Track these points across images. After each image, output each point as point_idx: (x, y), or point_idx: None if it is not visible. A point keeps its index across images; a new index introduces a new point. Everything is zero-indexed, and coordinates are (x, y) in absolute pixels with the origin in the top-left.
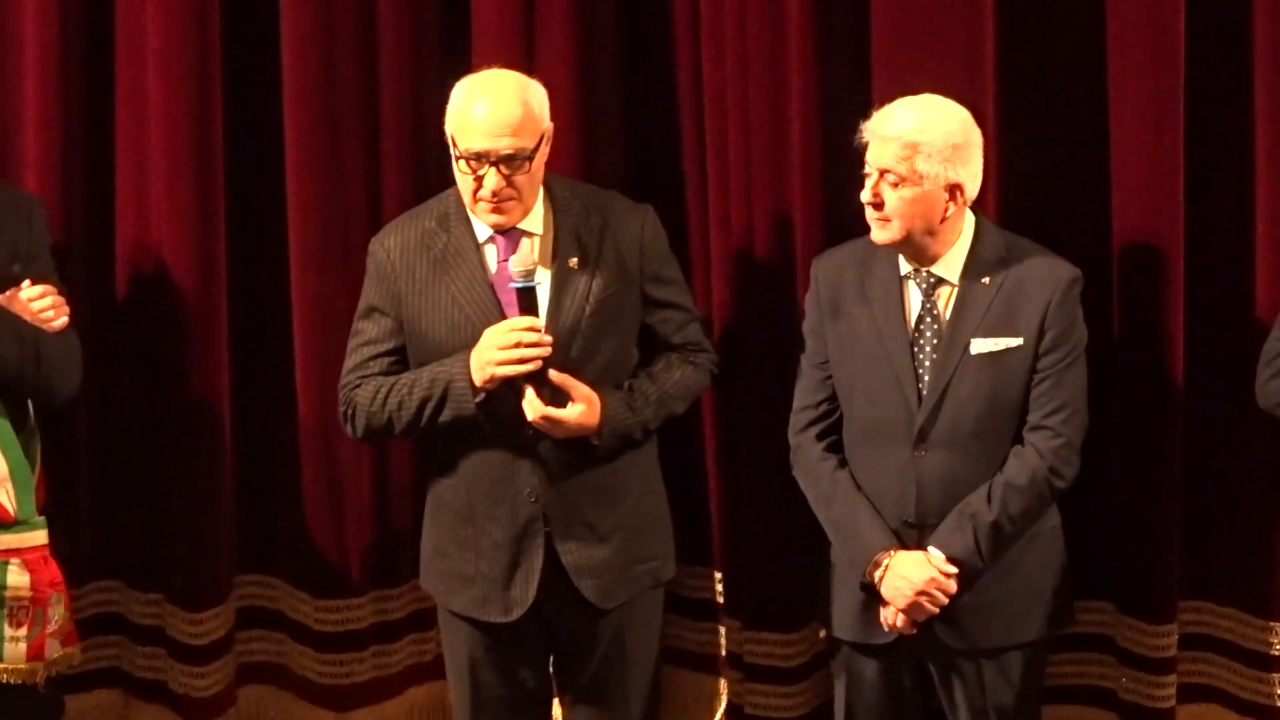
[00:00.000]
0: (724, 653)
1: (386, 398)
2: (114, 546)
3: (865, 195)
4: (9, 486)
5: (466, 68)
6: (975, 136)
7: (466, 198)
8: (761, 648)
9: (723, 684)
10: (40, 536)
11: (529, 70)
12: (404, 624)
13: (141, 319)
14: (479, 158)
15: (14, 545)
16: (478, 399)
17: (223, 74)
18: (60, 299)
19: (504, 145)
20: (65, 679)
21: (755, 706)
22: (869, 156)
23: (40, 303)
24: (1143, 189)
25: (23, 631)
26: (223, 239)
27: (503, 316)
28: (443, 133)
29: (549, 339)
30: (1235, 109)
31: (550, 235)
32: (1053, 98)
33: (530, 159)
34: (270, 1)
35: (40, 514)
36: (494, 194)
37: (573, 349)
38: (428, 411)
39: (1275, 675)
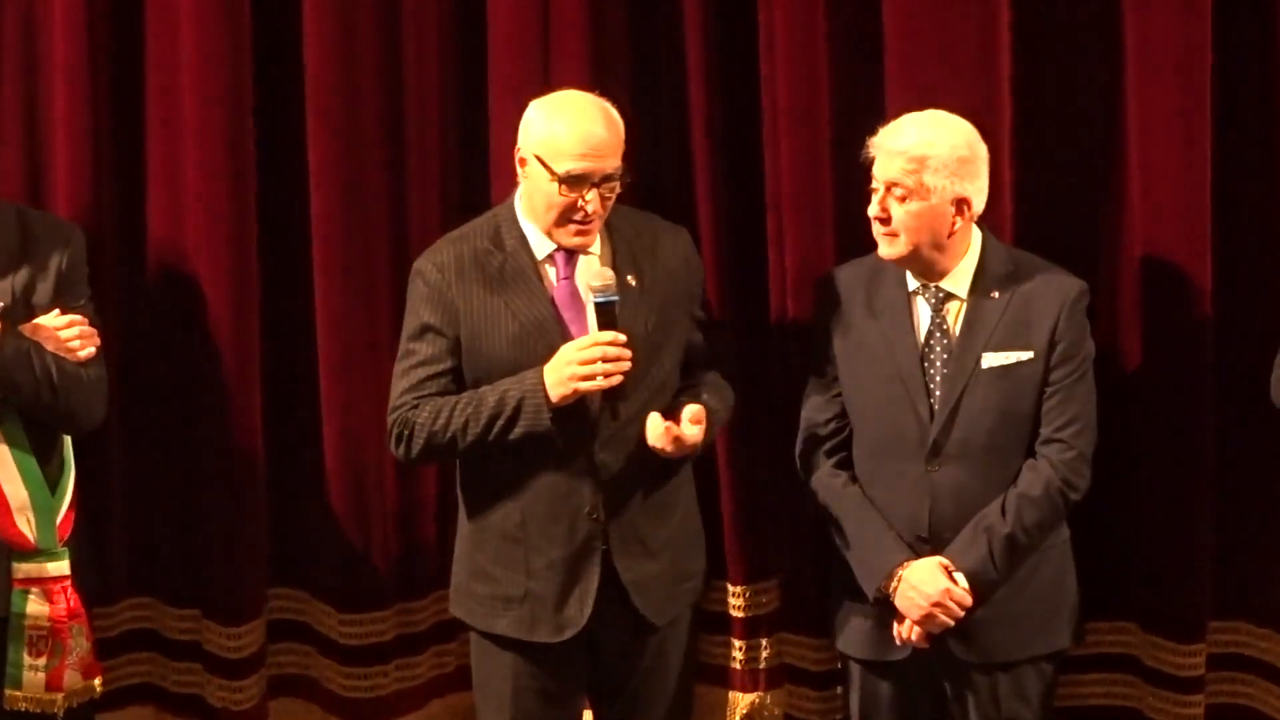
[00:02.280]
0: (739, 664)
1: (450, 417)
2: (148, 563)
3: (873, 210)
4: (29, 515)
5: (483, 83)
6: (981, 151)
7: (549, 219)
8: (796, 650)
9: (733, 696)
10: (62, 567)
11: (545, 87)
12: (427, 636)
13: (174, 334)
14: (581, 179)
15: (34, 575)
16: (551, 414)
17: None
18: (90, 329)
19: (609, 166)
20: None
21: (787, 707)
22: (876, 171)
23: (67, 331)
24: (1170, 203)
25: (42, 661)
26: (255, 257)
27: (565, 333)
28: (468, 147)
29: (629, 353)
30: (1263, 122)
31: (607, 254)
32: (1070, 113)
33: (624, 178)
34: (294, 18)
35: (64, 545)
36: (592, 214)
37: (635, 365)
38: (497, 428)
39: None
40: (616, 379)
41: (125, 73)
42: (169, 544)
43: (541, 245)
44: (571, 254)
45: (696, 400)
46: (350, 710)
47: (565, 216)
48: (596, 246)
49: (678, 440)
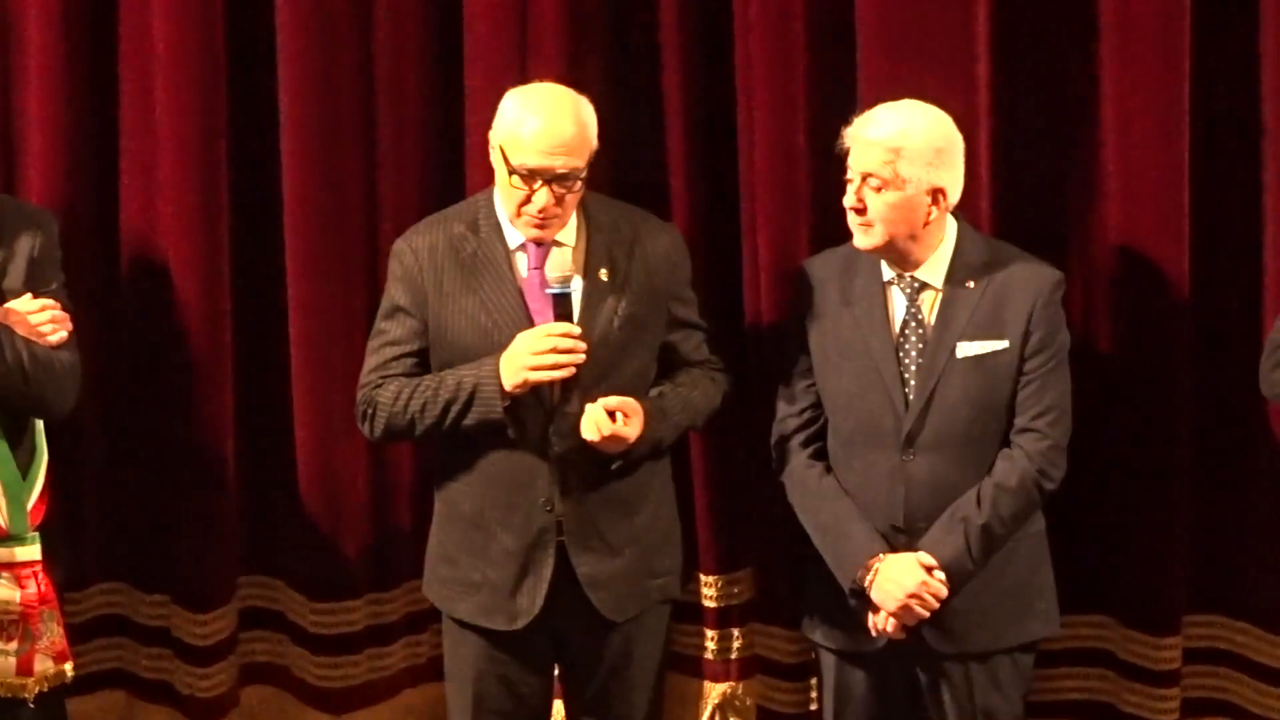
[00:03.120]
0: (711, 655)
1: (410, 399)
2: (119, 548)
3: (848, 200)
4: (1, 500)
5: (460, 75)
6: (957, 141)
7: (509, 209)
8: (768, 641)
9: (707, 686)
10: (33, 552)
11: (521, 78)
12: (399, 626)
13: (147, 323)
14: (533, 174)
15: (4, 560)
16: (505, 403)
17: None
18: (62, 314)
19: (559, 164)
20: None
21: (759, 698)
22: (851, 161)
23: (38, 316)
24: (1148, 193)
25: (12, 646)
26: (227, 244)
27: (531, 324)
28: (444, 138)
29: (584, 345)
30: (1243, 113)
31: (582, 247)
32: (1047, 103)
33: (582, 178)
34: (268, 7)
35: (36, 531)
36: (542, 211)
37: (600, 361)
38: (452, 414)
39: None
40: (569, 370)
41: (99, 62)
42: (140, 529)
43: (515, 234)
44: (542, 244)
45: (656, 394)
46: (322, 699)
47: (520, 209)
48: (570, 238)
49: (612, 438)
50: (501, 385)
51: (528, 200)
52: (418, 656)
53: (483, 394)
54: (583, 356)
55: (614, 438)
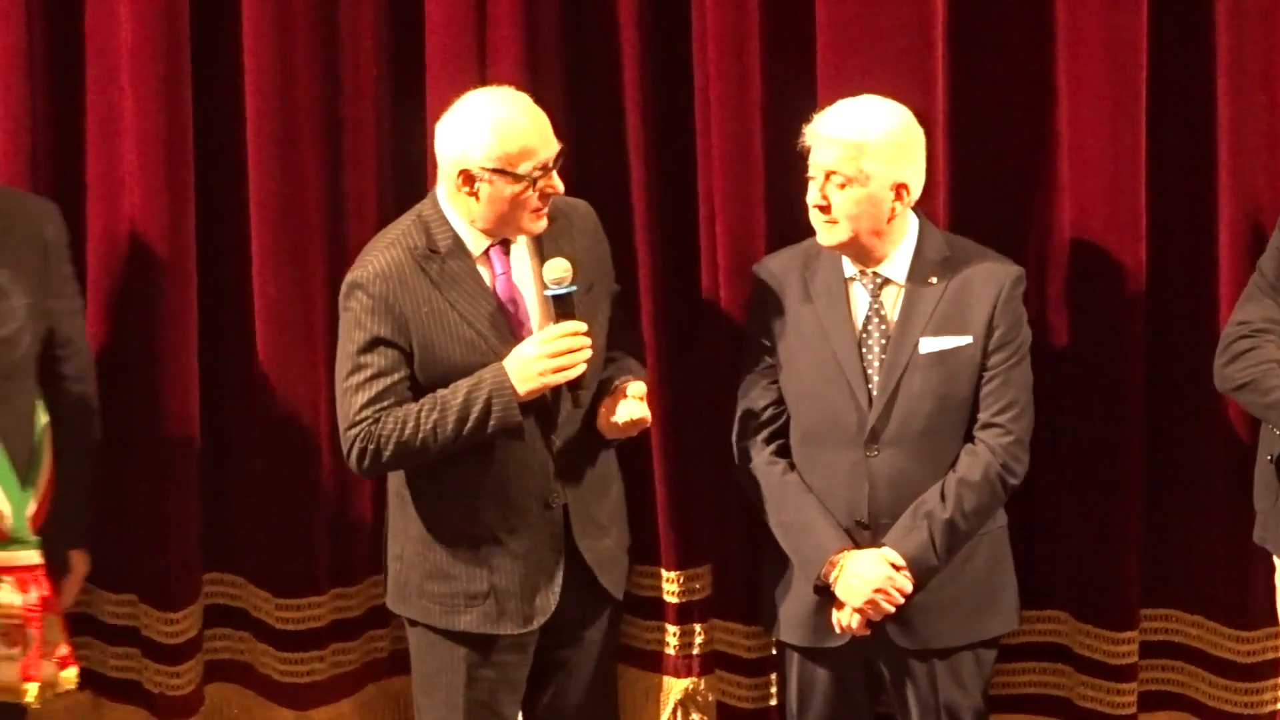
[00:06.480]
0: (673, 650)
1: (419, 424)
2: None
3: (812, 198)
4: (3, 502)
5: (421, 71)
6: (918, 134)
7: (520, 217)
8: (728, 636)
9: (667, 681)
10: (33, 556)
11: (481, 74)
12: (362, 621)
13: (112, 320)
14: (545, 168)
15: (5, 563)
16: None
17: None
18: None
19: (555, 143)
20: None
21: (718, 694)
22: (813, 159)
23: None
24: (1103, 191)
25: (16, 650)
26: (193, 239)
27: (514, 327)
28: (404, 136)
29: (589, 341)
30: (1197, 110)
31: (532, 242)
32: (1003, 100)
33: (563, 147)
34: (234, 5)
35: (36, 534)
36: (553, 193)
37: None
38: (469, 429)
39: (1244, 684)
40: (582, 368)
41: (64, 62)
42: (105, 528)
43: (476, 243)
44: (506, 248)
45: (633, 376)
46: (286, 695)
47: (535, 209)
48: (521, 236)
49: (641, 423)
50: (515, 391)
51: (543, 196)
52: (380, 651)
53: (497, 404)
54: (590, 352)
55: (643, 420)
